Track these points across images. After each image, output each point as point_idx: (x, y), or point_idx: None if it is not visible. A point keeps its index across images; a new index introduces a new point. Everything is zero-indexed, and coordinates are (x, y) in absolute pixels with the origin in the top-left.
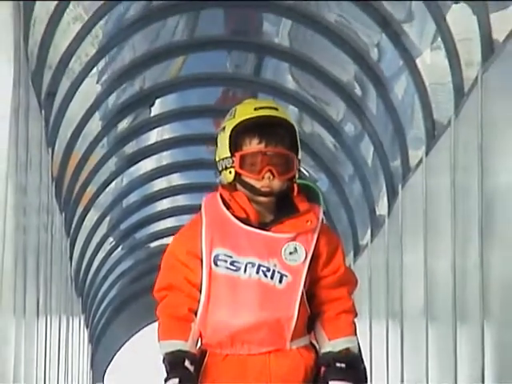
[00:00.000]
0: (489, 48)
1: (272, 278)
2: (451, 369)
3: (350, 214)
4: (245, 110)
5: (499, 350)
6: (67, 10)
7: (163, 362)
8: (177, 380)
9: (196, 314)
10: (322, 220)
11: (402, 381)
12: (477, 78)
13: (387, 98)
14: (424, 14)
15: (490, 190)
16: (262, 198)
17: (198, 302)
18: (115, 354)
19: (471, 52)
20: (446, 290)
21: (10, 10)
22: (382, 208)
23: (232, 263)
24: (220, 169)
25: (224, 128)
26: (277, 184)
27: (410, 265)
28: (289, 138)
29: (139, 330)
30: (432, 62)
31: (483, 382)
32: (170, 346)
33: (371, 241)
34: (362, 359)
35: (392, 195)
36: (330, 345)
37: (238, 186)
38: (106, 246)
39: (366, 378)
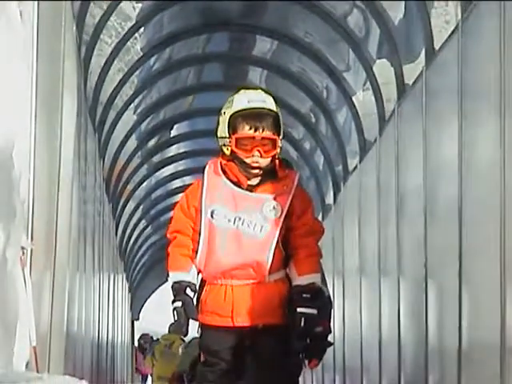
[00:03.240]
0: (402, 89)
1: (254, 228)
2: (377, 310)
3: None
4: (240, 101)
5: (409, 295)
6: (112, 65)
7: (171, 288)
8: (180, 303)
9: (196, 253)
10: (298, 184)
11: (344, 319)
12: (394, 110)
13: (333, 123)
14: (357, 65)
15: (403, 186)
16: (251, 171)
17: (198, 244)
18: (146, 300)
19: (390, 92)
20: (374, 255)
21: (75, 65)
22: (329, 199)
23: (224, 216)
24: (220, 144)
25: (224, 113)
26: (263, 160)
27: (349, 238)
28: (273, 123)
29: (163, 284)
30: (363, 99)
31: (399, 316)
32: (176, 276)
33: (322, 221)
34: (329, 294)
35: (337, 190)
36: (299, 279)
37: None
38: (140, 226)
39: (331, 304)
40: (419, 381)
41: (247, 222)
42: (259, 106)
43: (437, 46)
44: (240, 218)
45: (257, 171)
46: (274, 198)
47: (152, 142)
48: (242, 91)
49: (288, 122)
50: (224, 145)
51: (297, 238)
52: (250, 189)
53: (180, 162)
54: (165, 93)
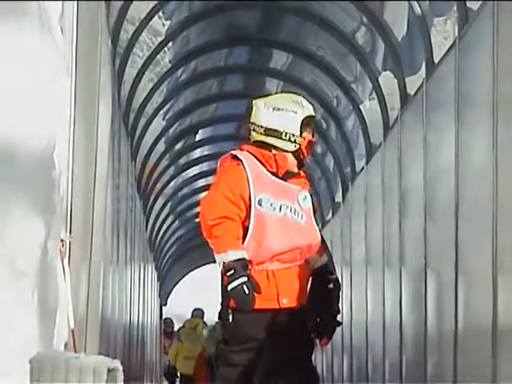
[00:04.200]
0: (404, 99)
1: (298, 215)
2: (381, 297)
3: (319, 200)
4: (309, 107)
5: (410, 284)
6: (144, 76)
7: (229, 267)
8: (246, 278)
9: (243, 240)
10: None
11: (351, 305)
12: (397, 117)
13: (342, 129)
14: (364, 77)
15: (405, 186)
16: (296, 169)
17: (246, 231)
18: (173, 288)
19: (394, 101)
20: (378, 247)
21: (110, 76)
22: (338, 197)
23: (271, 205)
24: (286, 139)
25: (295, 111)
26: None
27: (356, 233)
28: None
29: (187, 273)
30: (369, 107)
31: (401, 303)
32: (236, 254)
33: (332, 217)
34: (338, 277)
35: (345, 189)
36: (320, 260)
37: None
38: (168, 221)
39: (339, 286)
40: (419, 361)
41: (293, 210)
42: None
43: (436, 60)
44: (287, 206)
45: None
46: (303, 188)
47: (179, 146)
48: (300, 97)
49: None
50: (292, 141)
51: None
52: (285, 179)
53: (204, 164)
54: (190, 101)
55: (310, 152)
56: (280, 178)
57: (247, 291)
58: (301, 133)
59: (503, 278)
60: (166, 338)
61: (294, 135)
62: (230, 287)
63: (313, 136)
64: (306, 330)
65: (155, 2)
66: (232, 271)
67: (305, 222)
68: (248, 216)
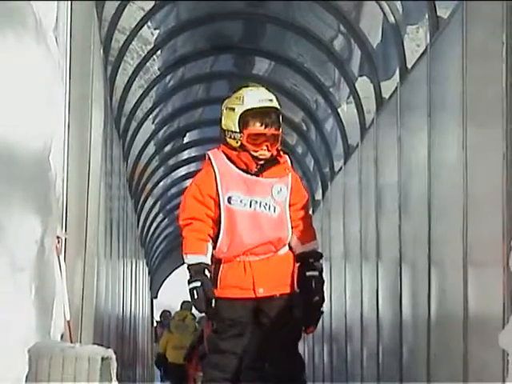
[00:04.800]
0: (380, 102)
1: (269, 209)
2: (359, 288)
3: None
4: (252, 100)
5: (386, 276)
6: (134, 82)
7: (188, 269)
8: (199, 283)
9: (216, 238)
10: (291, 163)
11: (331, 296)
12: (373, 119)
13: (321, 131)
14: (342, 82)
15: (381, 185)
16: (258, 162)
17: (216, 229)
18: (163, 282)
19: (370, 104)
20: (356, 242)
21: (102, 82)
22: (318, 195)
23: (241, 201)
24: (228, 136)
25: (233, 109)
26: (268, 153)
27: (335, 228)
28: (277, 120)
29: (177, 268)
30: (347, 110)
31: (377, 294)
32: (194, 259)
33: (313, 214)
34: (323, 268)
35: (325, 188)
36: (303, 247)
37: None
38: (158, 219)
39: (323, 278)
40: (395, 347)
41: (263, 205)
42: (268, 105)
43: (409, 66)
44: (256, 202)
45: (262, 162)
46: (279, 181)
47: (168, 148)
48: (249, 89)
49: (283, 130)
50: (233, 138)
51: (296, 211)
52: (257, 174)
53: (191, 165)
54: (178, 106)
55: (264, 143)
56: (252, 174)
57: (196, 296)
58: (241, 128)
59: (473, 269)
60: (162, 329)
61: (233, 132)
62: (188, 288)
63: (267, 126)
64: (290, 317)
65: (144, 13)
66: (190, 274)
67: (277, 214)
68: (220, 213)
